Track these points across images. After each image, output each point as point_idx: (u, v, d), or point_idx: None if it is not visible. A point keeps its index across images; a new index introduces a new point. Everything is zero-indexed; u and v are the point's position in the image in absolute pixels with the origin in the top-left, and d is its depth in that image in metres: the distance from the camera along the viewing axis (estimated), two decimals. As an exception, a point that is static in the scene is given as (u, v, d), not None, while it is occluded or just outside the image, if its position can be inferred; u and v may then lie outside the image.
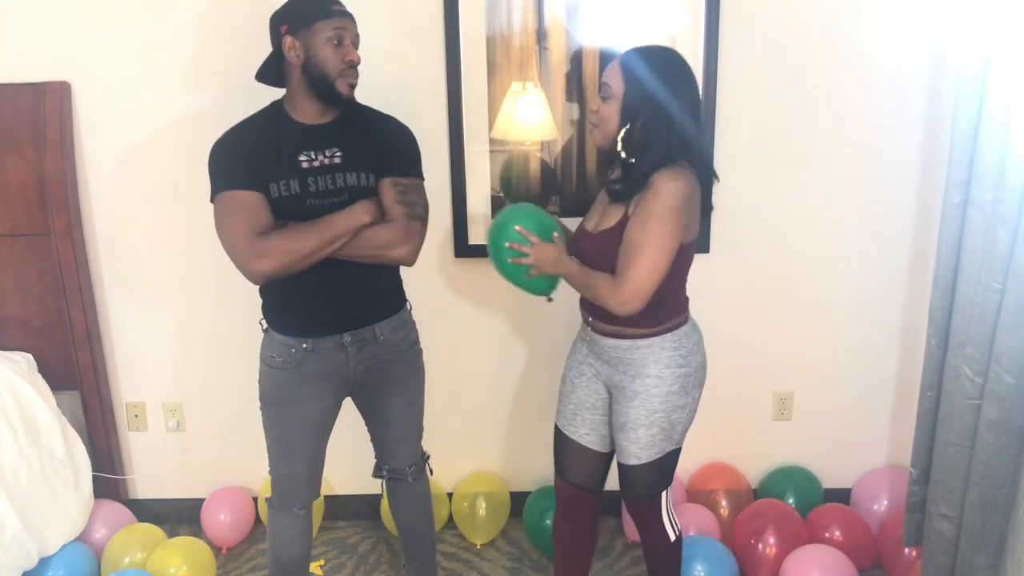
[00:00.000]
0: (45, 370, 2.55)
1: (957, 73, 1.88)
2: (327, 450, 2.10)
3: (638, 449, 1.89)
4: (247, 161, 1.83)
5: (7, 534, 2.21)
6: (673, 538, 2.01)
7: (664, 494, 1.97)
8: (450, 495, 2.74)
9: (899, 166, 2.45)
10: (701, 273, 2.54)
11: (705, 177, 1.82)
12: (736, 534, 2.47)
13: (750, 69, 2.38)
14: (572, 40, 2.34)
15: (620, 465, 1.95)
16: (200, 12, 2.37)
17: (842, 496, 2.67)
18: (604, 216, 1.86)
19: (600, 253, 1.83)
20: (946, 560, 2.05)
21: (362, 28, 1.92)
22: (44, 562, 2.37)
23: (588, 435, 2.00)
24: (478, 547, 2.66)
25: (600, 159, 2.28)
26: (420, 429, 2.18)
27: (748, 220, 2.50)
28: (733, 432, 2.70)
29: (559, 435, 2.05)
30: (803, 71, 2.38)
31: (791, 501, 2.59)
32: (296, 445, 2.01)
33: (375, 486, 2.25)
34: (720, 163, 2.43)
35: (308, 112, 1.88)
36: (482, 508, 2.64)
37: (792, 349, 2.62)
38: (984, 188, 1.83)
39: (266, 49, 1.89)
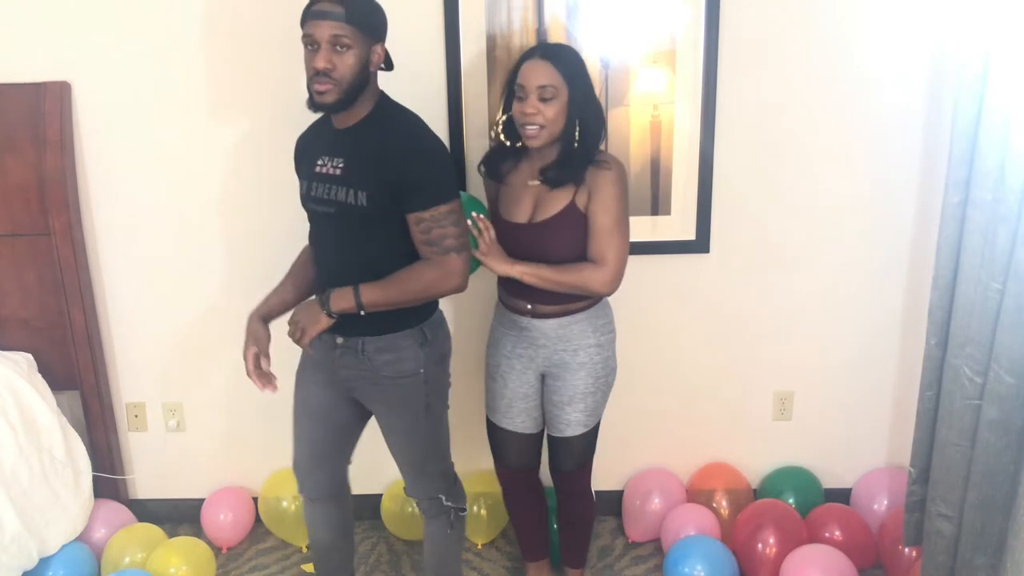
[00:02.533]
0: (45, 370, 2.54)
1: (957, 73, 1.88)
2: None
3: (585, 417, 2.03)
4: (298, 157, 2.02)
5: (7, 534, 2.21)
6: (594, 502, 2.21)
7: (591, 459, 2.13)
8: (450, 495, 2.74)
9: (899, 166, 2.44)
10: (701, 273, 2.56)
11: None
12: (736, 534, 2.47)
13: (750, 69, 2.37)
14: (572, 39, 2.34)
15: (560, 440, 2.08)
16: (201, 12, 2.37)
17: (842, 496, 2.67)
18: (540, 207, 1.95)
19: (539, 241, 1.93)
20: (946, 560, 2.05)
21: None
22: (44, 562, 2.37)
23: (524, 423, 2.14)
24: (478, 547, 2.66)
25: (490, 159, 2.13)
26: (420, 464, 2.05)
27: (748, 220, 2.50)
28: (733, 432, 2.70)
29: (494, 428, 2.19)
30: (803, 71, 2.38)
31: (791, 501, 2.59)
32: (299, 423, 2.08)
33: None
34: (720, 163, 2.44)
35: (335, 116, 1.88)
36: (482, 508, 2.63)
37: (792, 349, 2.62)
38: (984, 188, 1.83)
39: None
